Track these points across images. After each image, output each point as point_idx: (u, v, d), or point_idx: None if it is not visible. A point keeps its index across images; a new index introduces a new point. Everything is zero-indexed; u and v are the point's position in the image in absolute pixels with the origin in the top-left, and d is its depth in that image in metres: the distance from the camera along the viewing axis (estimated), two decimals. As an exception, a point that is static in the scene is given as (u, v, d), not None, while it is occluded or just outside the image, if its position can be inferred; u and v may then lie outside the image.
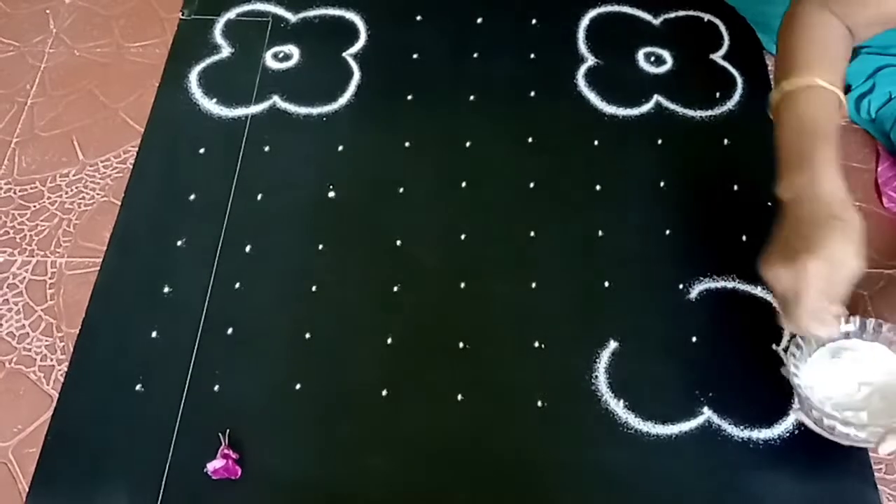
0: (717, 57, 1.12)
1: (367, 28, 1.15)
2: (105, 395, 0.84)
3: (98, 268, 0.93)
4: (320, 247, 0.95)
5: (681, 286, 0.91)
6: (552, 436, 0.82)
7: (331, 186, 0.99)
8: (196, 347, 0.87)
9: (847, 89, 1.04)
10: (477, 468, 0.81)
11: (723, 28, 1.15)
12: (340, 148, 1.03)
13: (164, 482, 0.79)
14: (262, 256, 0.94)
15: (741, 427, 0.82)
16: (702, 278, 0.91)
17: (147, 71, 1.11)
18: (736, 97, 1.07)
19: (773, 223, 0.95)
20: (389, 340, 0.88)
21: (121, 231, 0.96)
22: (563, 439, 0.82)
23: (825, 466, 0.79)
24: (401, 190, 0.99)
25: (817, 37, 0.81)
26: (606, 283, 0.92)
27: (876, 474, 0.80)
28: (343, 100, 1.07)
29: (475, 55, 1.12)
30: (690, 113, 1.06)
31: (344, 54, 1.12)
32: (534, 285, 0.92)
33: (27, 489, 0.79)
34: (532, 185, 1.00)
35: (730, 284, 0.91)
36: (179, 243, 0.95)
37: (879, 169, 1.02)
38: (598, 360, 0.87)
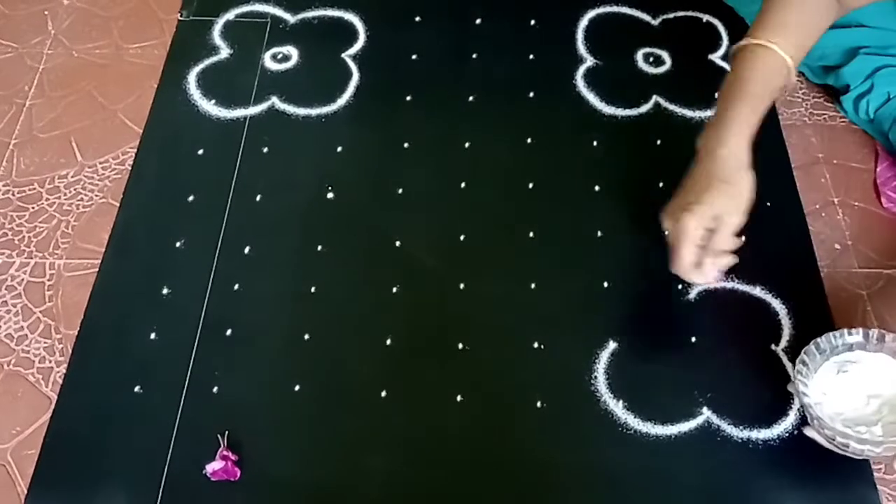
0: (715, 57, 1.12)
1: (366, 29, 1.15)
2: (104, 396, 0.84)
3: (97, 269, 0.93)
4: (319, 248, 0.95)
5: (680, 286, 0.91)
6: (551, 436, 0.82)
7: (330, 187, 0.99)
8: (195, 349, 0.87)
9: (846, 89, 1.04)
10: (476, 469, 0.80)
11: (721, 28, 1.15)
12: (339, 149, 1.03)
13: (162, 484, 0.79)
14: (261, 257, 0.94)
15: (740, 427, 0.82)
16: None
17: (146, 72, 1.11)
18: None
19: (771, 224, 0.96)
20: (388, 341, 0.88)
21: (119, 232, 0.96)
22: (563, 440, 0.82)
23: (824, 466, 0.79)
24: (400, 191, 0.99)
25: (793, 5, 0.82)
26: (605, 284, 0.92)
27: (875, 474, 0.80)
28: (342, 101, 1.07)
29: (474, 56, 1.12)
30: (689, 113, 1.06)
31: (343, 55, 1.12)
32: (533, 286, 0.92)
33: (26, 491, 0.79)
34: (531, 185, 1.00)
35: (728, 285, 0.91)
36: (178, 244, 0.94)
37: (878, 169, 1.02)
38: (597, 360, 0.87)
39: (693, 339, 0.88)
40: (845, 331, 0.79)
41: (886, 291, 0.91)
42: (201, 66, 1.11)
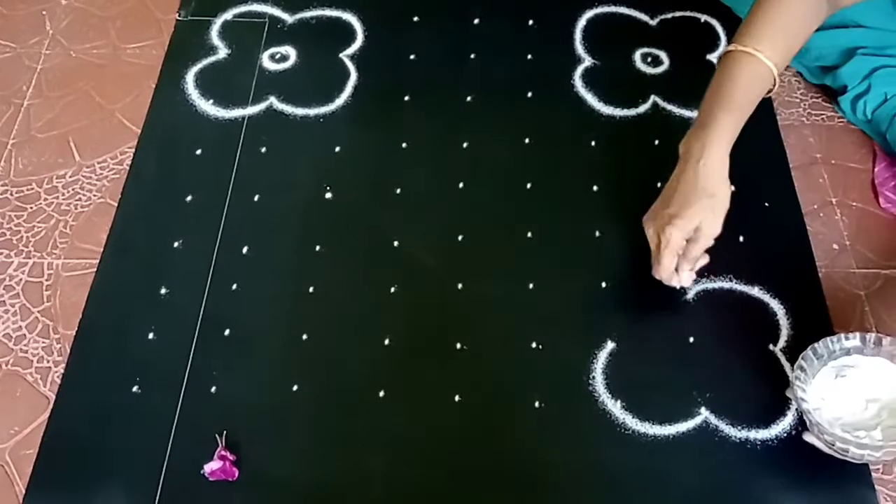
0: (713, 57, 1.12)
1: (363, 29, 1.15)
2: (102, 396, 0.84)
3: (95, 269, 0.93)
4: (318, 248, 0.94)
5: (678, 287, 0.91)
6: (550, 436, 0.82)
7: (328, 187, 0.99)
8: (193, 349, 0.87)
9: (843, 90, 1.04)
10: (475, 469, 0.80)
11: (719, 28, 1.15)
12: (337, 149, 1.03)
13: (161, 484, 0.79)
14: (259, 257, 0.94)
15: (738, 427, 0.82)
16: (699, 279, 0.91)
17: (144, 72, 1.11)
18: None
19: (769, 225, 0.96)
20: (387, 341, 0.88)
21: (118, 232, 0.96)
22: (561, 440, 0.82)
23: (822, 467, 0.79)
24: (398, 191, 0.99)
25: (780, 10, 0.84)
26: (604, 284, 0.92)
27: (873, 475, 0.80)
28: (340, 101, 1.07)
29: (472, 56, 1.12)
30: (687, 113, 1.06)
31: (341, 55, 1.12)
32: (531, 286, 0.92)
33: (24, 491, 0.79)
34: (529, 185, 1.00)
35: (727, 285, 0.91)
36: (176, 244, 0.94)
37: (876, 169, 1.02)
38: (595, 360, 0.87)
39: (691, 340, 0.88)
40: (842, 335, 0.79)
41: (884, 291, 0.92)
42: (199, 65, 1.11)
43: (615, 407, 0.84)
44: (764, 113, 1.05)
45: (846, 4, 0.87)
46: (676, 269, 0.86)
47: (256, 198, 0.98)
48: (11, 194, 1.00)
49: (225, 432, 0.81)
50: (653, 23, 1.16)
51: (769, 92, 0.86)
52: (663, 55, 1.12)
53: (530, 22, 1.16)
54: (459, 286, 0.91)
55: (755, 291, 0.91)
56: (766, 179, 1.00)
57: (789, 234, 0.96)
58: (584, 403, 0.84)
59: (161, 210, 0.97)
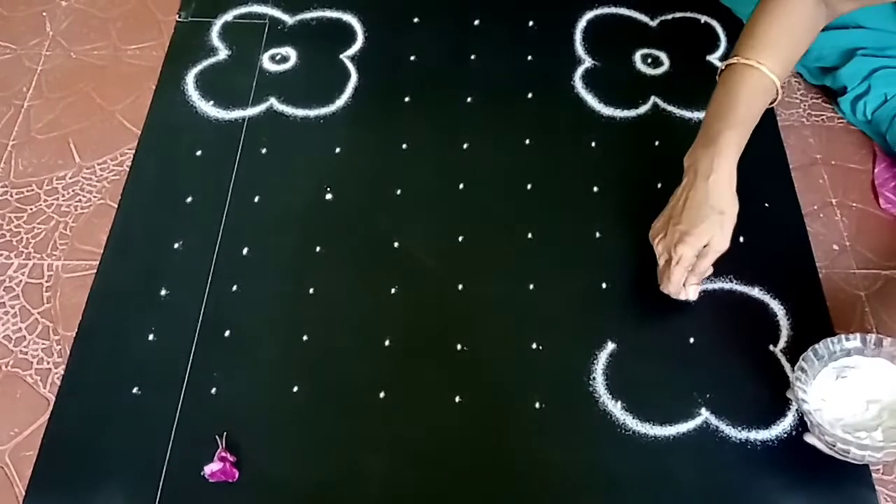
0: (713, 58, 1.12)
1: (364, 30, 1.15)
2: (102, 398, 0.84)
3: (95, 270, 0.93)
4: (318, 249, 0.94)
5: (685, 300, 0.91)
6: (550, 437, 0.82)
7: (328, 188, 0.99)
8: (193, 350, 0.87)
9: (843, 91, 1.04)
10: (475, 469, 0.80)
11: (719, 29, 1.15)
12: (338, 150, 1.03)
13: (161, 485, 0.79)
14: (259, 259, 0.94)
15: (739, 428, 0.82)
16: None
17: (144, 73, 1.11)
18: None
19: (769, 225, 0.96)
20: (387, 342, 0.88)
21: (118, 234, 0.96)
22: (561, 440, 0.82)
23: (823, 467, 0.79)
24: (398, 192, 0.99)
25: (781, 20, 0.84)
26: (604, 285, 0.92)
27: (874, 475, 0.80)
28: (340, 102, 1.07)
29: (472, 57, 1.12)
30: (687, 114, 1.06)
31: (341, 56, 1.12)
32: (531, 287, 0.92)
33: (24, 493, 0.79)
34: (529, 186, 1.00)
35: (727, 285, 0.91)
36: (176, 246, 0.94)
37: (876, 170, 1.02)
38: (595, 361, 0.87)
39: (691, 340, 0.88)
40: (843, 336, 0.79)
41: (884, 292, 0.92)
42: (200, 67, 1.11)
43: (615, 407, 0.84)
44: (764, 114, 1.05)
45: (844, 11, 0.87)
46: (683, 284, 0.86)
47: (257, 199, 0.98)
48: (11, 195, 1.00)
49: (225, 433, 0.81)
50: (653, 24, 1.16)
51: (772, 103, 0.86)
52: (663, 56, 1.12)
53: (530, 23, 1.16)
54: (460, 287, 0.91)
55: (755, 292, 0.91)
56: (766, 180, 1.00)
57: (789, 234, 0.96)
58: (585, 404, 0.84)
59: (161, 211, 0.97)
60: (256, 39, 1.14)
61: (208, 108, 1.06)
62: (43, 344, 0.88)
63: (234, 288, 0.91)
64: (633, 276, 0.92)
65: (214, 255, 0.93)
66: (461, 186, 1.00)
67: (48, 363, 0.87)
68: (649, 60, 1.12)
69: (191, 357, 0.86)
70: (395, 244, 0.95)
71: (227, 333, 0.88)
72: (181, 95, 1.08)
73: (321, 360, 0.87)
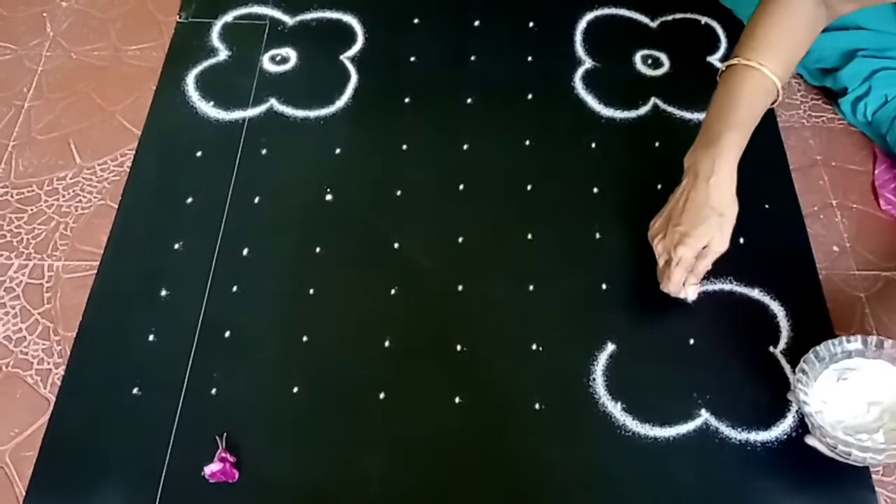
0: (714, 59, 1.12)
1: (364, 31, 1.15)
2: (102, 398, 0.84)
3: (95, 271, 0.93)
4: (318, 250, 0.95)
5: (685, 299, 0.91)
6: (550, 438, 0.82)
7: (328, 189, 0.99)
8: (193, 351, 0.87)
9: (844, 92, 1.04)
10: (475, 470, 0.80)
11: (720, 31, 1.15)
12: (338, 151, 1.03)
13: (161, 486, 0.79)
14: (259, 259, 0.94)
15: (739, 429, 0.82)
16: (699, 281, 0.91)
17: (144, 74, 1.11)
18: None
19: (769, 226, 0.96)
20: (387, 343, 0.88)
21: (118, 234, 0.96)
22: (561, 441, 0.82)
23: (822, 468, 0.79)
24: (398, 192, 0.99)
25: (781, 22, 0.84)
26: (604, 286, 0.92)
27: (874, 476, 0.80)
28: (340, 102, 1.07)
29: (472, 58, 1.12)
30: (688, 115, 1.06)
31: (341, 57, 1.12)
32: (531, 288, 0.92)
33: (24, 493, 0.79)
34: (529, 187, 1.00)
35: (727, 287, 0.91)
36: (177, 246, 0.94)
37: (876, 171, 1.02)
38: (595, 362, 0.87)
39: (691, 341, 0.88)
40: (844, 338, 0.79)
41: (884, 293, 0.92)
42: (200, 67, 1.11)
43: (615, 409, 0.84)
44: (764, 115, 1.05)
45: (844, 12, 0.87)
46: (683, 284, 0.87)
47: (257, 199, 0.98)
48: (12, 196, 1.00)
49: (225, 434, 0.81)
50: (653, 25, 1.16)
51: (773, 104, 0.86)
52: (664, 57, 1.12)
53: (530, 24, 1.16)
54: (459, 288, 0.91)
55: (755, 293, 0.91)
56: (766, 181, 1.00)
57: (789, 235, 0.96)
58: (585, 405, 0.84)
59: (161, 212, 0.97)
60: (257, 40, 1.14)
61: (208, 109, 1.06)
62: (43, 344, 0.88)
63: (235, 288, 0.91)
64: (633, 276, 0.92)
65: (214, 256, 0.93)
66: (461, 187, 1.00)
67: (48, 363, 0.87)
68: (649, 61, 1.12)
69: (191, 358, 0.86)
70: (395, 245, 0.95)
71: (227, 334, 0.88)
72: (181, 96, 1.08)
73: (321, 361, 0.87)
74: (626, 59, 1.12)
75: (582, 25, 1.16)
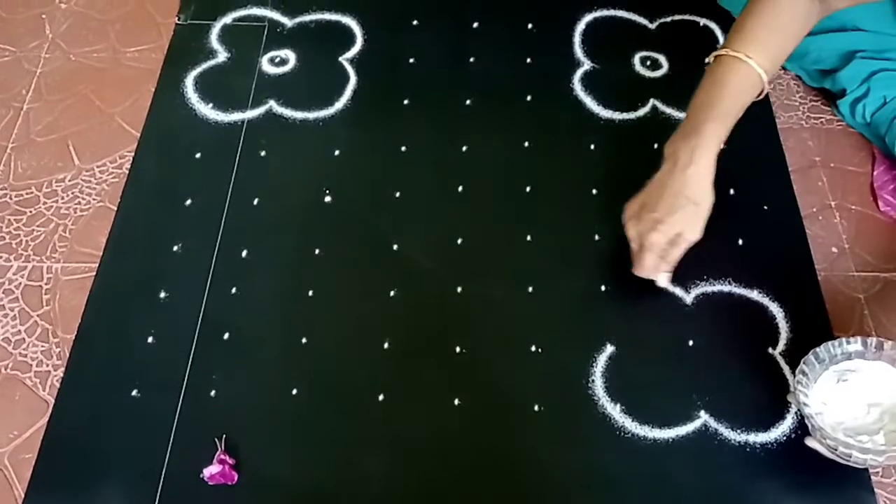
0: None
1: (363, 33, 1.15)
2: (101, 400, 0.84)
3: (94, 273, 0.93)
4: (317, 251, 0.94)
5: (677, 290, 0.91)
6: (549, 440, 0.82)
7: (327, 191, 0.99)
8: (192, 352, 0.87)
9: (842, 94, 1.04)
10: (474, 472, 0.80)
11: (718, 32, 1.15)
12: (337, 152, 1.03)
13: (160, 488, 0.79)
14: (258, 261, 0.94)
15: (738, 431, 0.82)
16: (698, 282, 0.91)
17: (143, 76, 1.11)
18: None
19: (768, 228, 0.96)
20: (386, 345, 0.88)
21: (117, 236, 0.96)
22: (560, 443, 0.82)
23: (822, 470, 0.79)
24: (397, 194, 0.99)
25: (773, 15, 0.84)
26: (603, 287, 0.92)
27: (873, 478, 0.80)
28: (339, 104, 1.07)
29: (471, 59, 1.12)
30: (686, 117, 1.06)
31: (340, 59, 1.12)
32: (530, 289, 0.92)
33: (23, 495, 0.79)
34: (528, 188, 1.00)
35: (726, 288, 0.91)
36: (176, 248, 0.94)
37: (875, 173, 1.02)
38: (594, 363, 0.87)
39: (690, 343, 0.88)
40: (844, 340, 0.79)
41: (883, 295, 0.92)
42: (199, 69, 1.11)
43: (615, 410, 0.84)
44: (763, 116, 1.05)
45: (839, 7, 0.86)
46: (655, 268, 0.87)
47: (256, 201, 0.98)
48: (11, 198, 1.00)
49: (224, 436, 0.81)
50: (652, 26, 1.16)
51: (758, 97, 0.86)
52: (662, 59, 1.12)
53: (529, 25, 1.16)
54: (459, 289, 0.91)
55: (754, 295, 0.91)
56: (765, 183, 1.00)
57: (788, 237, 0.96)
58: (584, 407, 0.84)
59: (160, 214, 0.97)
60: (256, 42, 1.14)
61: (207, 111, 1.06)
62: (42, 346, 0.88)
63: (234, 290, 0.91)
64: (633, 278, 0.92)
65: (214, 258, 0.93)
66: (460, 188, 1.00)
67: (47, 365, 0.87)
68: (648, 63, 1.12)
69: (190, 359, 0.86)
70: (395, 246, 0.95)
71: (226, 335, 0.88)
72: (180, 98, 1.08)
73: (321, 362, 0.87)
74: (624, 60, 1.12)
75: (581, 27, 1.16)
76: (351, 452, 0.81)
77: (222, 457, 0.79)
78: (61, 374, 0.86)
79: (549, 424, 0.83)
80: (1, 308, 0.91)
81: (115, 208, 0.98)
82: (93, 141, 1.05)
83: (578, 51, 1.13)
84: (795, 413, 0.83)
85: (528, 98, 1.08)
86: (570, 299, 0.91)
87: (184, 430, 0.82)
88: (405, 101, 1.08)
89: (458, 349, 0.87)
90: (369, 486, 0.80)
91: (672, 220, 0.83)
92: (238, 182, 1.00)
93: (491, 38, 1.15)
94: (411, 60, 1.12)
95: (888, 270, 0.94)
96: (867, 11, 0.99)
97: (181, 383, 0.85)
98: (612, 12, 1.17)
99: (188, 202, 0.98)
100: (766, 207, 0.98)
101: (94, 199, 0.99)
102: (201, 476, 0.79)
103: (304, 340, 0.88)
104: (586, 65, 1.12)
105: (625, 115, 1.06)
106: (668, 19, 1.17)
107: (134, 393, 0.84)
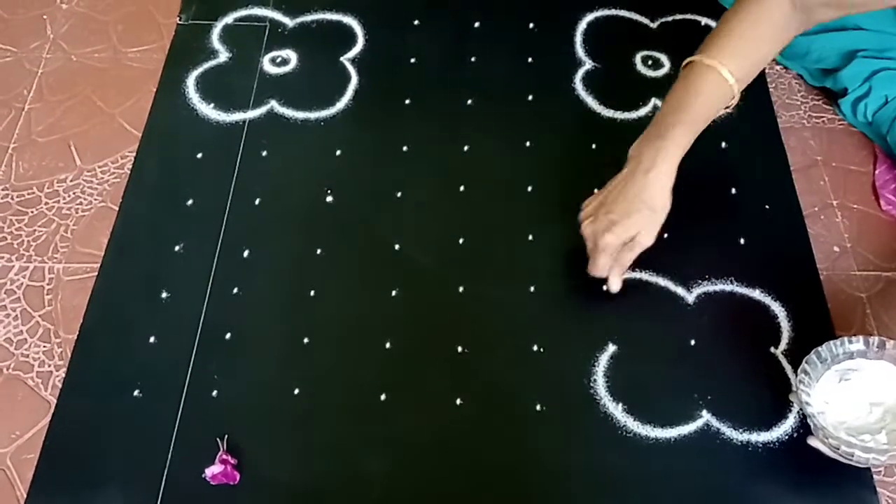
0: (714, 60, 1.12)
1: (364, 33, 1.15)
2: (103, 400, 0.84)
3: (96, 273, 0.93)
4: (318, 251, 0.95)
5: (679, 289, 0.91)
6: (551, 440, 0.82)
7: (329, 191, 0.99)
8: (194, 353, 0.87)
9: (844, 93, 1.04)
10: (476, 472, 0.80)
11: (720, 31, 1.15)
12: (338, 152, 1.03)
13: (162, 488, 0.79)
14: (260, 261, 0.94)
15: (740, 430, 0.82)
16: (700, 281, 0.91)
17: (144, 76, 1.11)
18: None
19: (770, 227, 0.96)
20: (388, 345, 0.88)
21: (118, 236, 0.96)
22: (562, 443, 0.82)
23: (824, 469, 0.79)
24: (399, 194, 0.99)
25: (752, 24, 0.83)
26: (605, 287, 0.92)
27: (875, 477, 0.80)
28: (341, 104, 1.07)
29: (473, 59, 1.12)
30: (688, 116, 1.06)
31: (342, 59, 1.12)
32: (532, 289, 0.92)
33: (25, 495, 0.79)
34: (530, 188, 1.00)
35: (728, 287, 0.91)
36: (177, 248, 0.94)
37: (877, 172, 1.02)
38: (596, 363, 0.87)
39: (692, 342, 0.88)
40: (846, 339, 0.78)
41: (885, 294, 0.92)
42: (200, 69, 1.11)
43: (616, 410, 0.84)
44: (764, 115, 1.05)
45: (824, 19, 0.84)
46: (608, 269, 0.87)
47: (257, 201, 0.98)
48: (12, 198, 1.00)
49: (226, 436, 0.81)
50: (653, 26, 1.16)
51: (728, 107, 0.86)
52: (664, 58, 1.12)
53: (531, 25, 1.16)
54: (460, 289, 0.91)
55: (756, 294, 0.91)
56: (766, 182, 1.00)
57: (790, 236, 0.96)
58: (586, 406, 0.84)
59: (162, 214, 0.98)
60: (257, 42, 1.14)
61: (209, 111, 1.06)
62: (44, 347, 0.88)
63: (235, 290, 0.91)
64: (634, 278, 0.92)
65: (215, 258, 0.93)
66: (462, 188, 1.00)
67: (49, 366, 0.87)
68: (650, 62, 1.12)
69: (192, 360, 0.86)
70: (396, 246, 0.95)
71: (227, 336, 0.88)
72: (182, 98, 1.08)
73: (322, 363, 0.87)
74: (626, 60, 1.12)
75: (582, 26, 1.16)
76: (353, 452, 0.81)
77: (224, 457, 0.79)
78: (63, 375, 0.86)
79: (550, 424, 0.83)
80: (3, 308, 0.91)
81: (117, 208, 0.98)
82: (94, 141, 1.05)
83: (580, 50, 1.13)
84: (797, 412, 0.83)
85: (530, 98, 1.08)
86: (572, 299, 0.91)
87: (185, 430, 0.82)
88: (406, 101, 1.08)
89: (459, 349, 0.87)
90: (371, 486, 0.80)
91: (628, 223, 0.83)
92: (239, 182, 1.00)
93: (492, 38, 1.15)
94: (412, 60, 1.12)
95: (890, 269, 0.94)
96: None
97: (183, 383, 0.85)
98: (613, 12, 1.17)
99: (189, 202, 0.98)
100: (767, 207, 0.98)
101: (95, 200, 0.99)
102: (203, 476, 0.79)
103: (305, 340, 0.88)
104: (588, 64, 1.11)
105: (626, 115, 1.06)
106: (670, 19, 1.17)
107: (136, 393, 0.84)
